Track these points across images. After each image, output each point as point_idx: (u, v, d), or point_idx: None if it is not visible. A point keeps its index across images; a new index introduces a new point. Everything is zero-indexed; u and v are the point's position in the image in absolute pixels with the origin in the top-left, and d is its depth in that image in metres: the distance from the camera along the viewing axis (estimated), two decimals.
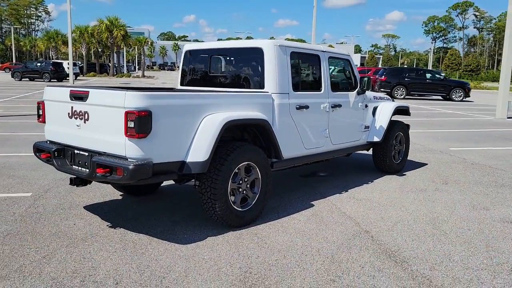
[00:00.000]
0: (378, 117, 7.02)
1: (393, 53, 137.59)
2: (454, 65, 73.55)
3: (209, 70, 5.87)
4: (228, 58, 5.76)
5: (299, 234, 4.58)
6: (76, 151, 4.45)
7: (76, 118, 4.38)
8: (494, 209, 5.58)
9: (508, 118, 17.49)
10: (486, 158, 8.99)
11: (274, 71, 5.10)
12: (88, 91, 4.23)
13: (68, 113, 4.46)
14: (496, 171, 7.85)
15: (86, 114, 4.27)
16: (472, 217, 5.23)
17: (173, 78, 55.76)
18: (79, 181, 4.58)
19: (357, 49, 75.65)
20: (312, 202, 5.68)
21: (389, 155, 7.20)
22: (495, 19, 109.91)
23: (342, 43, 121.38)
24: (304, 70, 5.71)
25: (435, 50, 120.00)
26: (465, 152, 9.63)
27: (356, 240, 4.45)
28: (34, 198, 5.57)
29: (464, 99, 26.28)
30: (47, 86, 4.87)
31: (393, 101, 7.70)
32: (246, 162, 4.64)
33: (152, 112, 3.88)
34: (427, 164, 8.31)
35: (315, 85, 5.81)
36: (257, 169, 4.77)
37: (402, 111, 7.54)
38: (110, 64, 55.15)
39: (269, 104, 5.03)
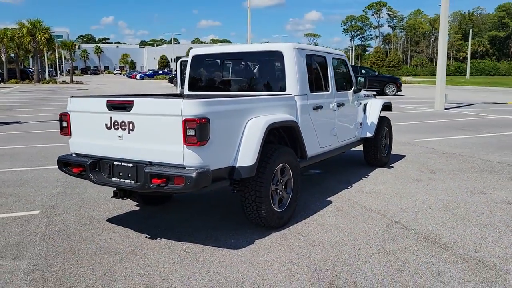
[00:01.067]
0: (369, 114, 7.39)
1: None
2: (379, 61, 77.65)
3: (223, 74, 5.88)
4: (244, 62, 5.80)
5: (338, 229, 4.76)
6: (116, 163, 4.31)
7: (117, 129, 4.24)
8: (490, 193, 6.12)
9: (445, 109, 18.92)
10: (452, 147, 9.73)
11: (295, 74, 5.24)
12: (133, 101, 4.12)
13: (106, 124, 4.31)
14: (468, 158, 8.54)
15: (130, 124, 4.15)
16: (477, 202, 5.71)
17: (105, 83, 53.77)
18: (123, 193, 4.44)
19: None
20: (328, 199, 5.89)
21: (380, 149, 7.60)
22: (406, 17, 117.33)
23: (267, 42, 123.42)
24: (316, 72, 5.90)
25: (354, 48, 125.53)
26: (430, 143, 10.35)
27: (393, 231, 4.71)
28: (46, 216, 5.28)
29: (396, 93, 27.99)
30: (72, 97, 4.65)
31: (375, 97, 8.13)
32: (282, 164, 4.75)
33: (210, 119, 3.88)
34: (405, 155, 8.85)
35: (325, 86, 6.02)
36: (290, 170, 4.89)
37: (386, 107, 7.98)
38: (32, 70, 51.95)
39: (294, 106, 5.17)
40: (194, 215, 5.28)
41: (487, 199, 5.84)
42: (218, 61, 5.90)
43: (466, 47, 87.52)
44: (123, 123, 4.19)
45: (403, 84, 30.57)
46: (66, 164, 4.62)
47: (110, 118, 4.27)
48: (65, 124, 4.65)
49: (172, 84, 47.04)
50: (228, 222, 5.01)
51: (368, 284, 3.54)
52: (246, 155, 4.24)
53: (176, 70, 8.44)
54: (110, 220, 5.12)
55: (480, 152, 9.13)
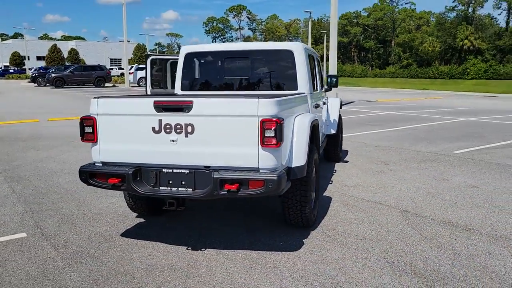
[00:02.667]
0: (331, 111, 7.75)
1: (178, 50, 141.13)
2: None
3: (225, 73, 5.65)
4: (249, 60, 5.63)
5: (365, 222, 4.96)
6: (165, 170, 3.91)
7: (169, 133, 3.85)
8: (451, 179, 6.91)
9: None
10: (377, 141, 10.65)
11: (305, 73, 5.31)
12: (192, 101, 3.78)
13: (153, 128, 3.88)
14: (400, 150, 9.45)
15: (188, 127, 3.80)
16: (449, 188, 6.41)
17: None
18: (179, 203, 4.04)
19: (143, 48, 75.32)
20: (324, 194, 6.06)
21: (340, 144, 8.03)
22: (264, 21, 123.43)
23: (129, 41, 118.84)
24: (312, 71, 6.01)
25: None
26: (356, 137, 11.18)
27: (412, 219, 5.07)
28: (42, 237, 4.54)
29: None
30: (98, 98, 4.07)
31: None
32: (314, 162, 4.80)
33: (284, 119, 3.77)
34: (347, 150, 9.45)
35: (316, 84, 6.18)
36: (315, 168, 4.95)
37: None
38: None
39: (307, 105, 5.24)
40: (211, 222, 5.01)
41: (454, 184, 6.59)
42: (219, 59, 5.65)
43: (318, 51, 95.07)
44: (178, 126, 3.82)
45: None
46: (94, 175, 4.04)
47: (160, 120, 3.86)
48: (89, 129, 4.05)
49: (36, 84, 42.62)
50: (252, 225, 4.87)
51: (446, 270, 3.79)
52: (299, 155, 4.19)
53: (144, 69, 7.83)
54: (125, 235, 4.60)
55: (404, 144, 10.16)
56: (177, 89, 5.67)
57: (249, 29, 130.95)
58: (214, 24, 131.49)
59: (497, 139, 10.67)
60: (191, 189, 3.87)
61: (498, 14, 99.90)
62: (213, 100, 3.85)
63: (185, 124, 3.80)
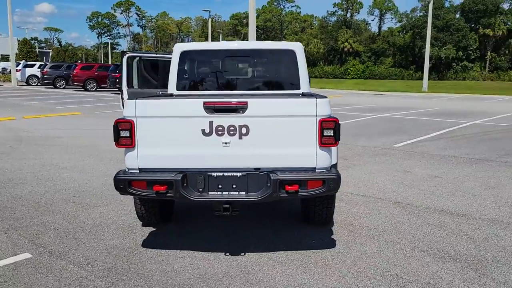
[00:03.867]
0: None
1: (58, 46, 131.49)
2: None
3: (224, 72, 5.49)
4: (250, 59, 5.52)
5: (370, 216, 5.22)
6: (215, 174, 3.75)
7: (221, 135, 3.69)
8: (414, 171, 7.52)
9: None
10: None
11: (305, 72, 5.41)
12: (246, 102, 3.67)
13: (203, 130, 3.69)
14: (347, 146, 9.97)
15: (243, 128, 3.68)
16: (417, 179, 6.98)
17: None
18: (231, 207, 3.86)
19: (29, 43, 69.04)
20: None
21: None
22: (154, 19, 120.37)
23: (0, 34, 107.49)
24: None
25: (103, 46, 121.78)
26: None
27: (414, 210, 5.45)
28: (54, 257, 4.06)
29: None
30: (139, 99, 3.74)
31: None
32: None
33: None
34: None
35: None
36: None
37: None
38: None
39: None
40: (226, 226, 4.88)
41: (418, 175, 7.19)
42: (218, 58, 5.47)
43: None
44: (232, 128, 3.68)
45: None
46: (133, 182, 3.71)
47: (211, 122, 3.68)
48: (125, 134, 3.71)
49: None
50: (271, 225, 4.86)
51: (476, 253, 4.18)
52: (335, 152, 4.28)
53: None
54: (147, 246, 4.30)
55: (347, 140, 10.71)
56: (172, 89, 5.37)
57: (138, 26, 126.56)
58: (99, 19, 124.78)
59: (420, 133, 11.79)
60: (244, 193, 3.76)
61: (372, 20, 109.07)
62: (270, 101, 3.78)
63: (239, 125, 3.68)
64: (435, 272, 3.77)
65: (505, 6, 69.71)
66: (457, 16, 69.91)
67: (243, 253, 4.13)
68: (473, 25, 69.54)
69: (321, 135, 3.67)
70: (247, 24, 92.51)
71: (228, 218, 5.02)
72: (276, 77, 5.50)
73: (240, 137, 3.69)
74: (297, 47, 5.32)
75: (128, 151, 3.76)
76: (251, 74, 5.46)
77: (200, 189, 3.76)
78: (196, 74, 5.47)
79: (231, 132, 3.68)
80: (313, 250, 4.21)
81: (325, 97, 3.78)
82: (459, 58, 67.13)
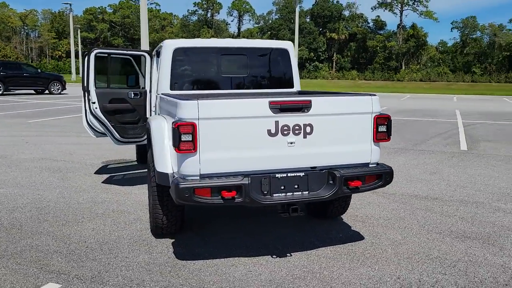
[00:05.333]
0: None
1: None
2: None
3: (219, 71, 5.27)
4: (245, 57, 5.35)
5: (373, 206, 5.55)
6: (279, 175, 3.67)
7: (286, 135, 3.62)
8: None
9: None
10: None
11: (297, 71, 5.56)
12: (310, 100, 3.66)
13: (269, 131, 3.58)
14: None
15: (307, 127, 3.67)
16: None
17: None
18: (296, 209, 3.77)
19: None
20: None
21: None
22: None
23: None
24: None
25: None
26: None
27: (411, 200, 5.95)
28: (92, 283, 3.55)
29: (62, 92, 26.58)
30: (201, 100, 3.45)
31: None
32: None
33: None
34: None
35: None
36: None
37: None
38: None
39: None
40: (239, 228, 4.78)
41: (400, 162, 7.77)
42: (213, 56, 5.23)
43: (61, 45, 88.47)
44: (297, 127, 3.64)
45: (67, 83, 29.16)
46: (196, 190, 3.43)
47: (276, 122, 3.58)
48: (187, 138, 3.40)
49: None
50: (283, 224, 4.89)
51: (489, 231, 4.76)
52: None
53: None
54: (187, 259, 4.00)
55: None
56: (164, 89, 5.01)
57: None
58: None
59: None
60: (306, 192, 3.74)
61: (231, 21, 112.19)
62: (331, 99, 3.80)
63: (303, 124, 3.65)
64: (464, 250, 4.21)
65: (346, 13, 77.78)
66: (308, 20, 75.86)
67: (289, 254, 4.10)
68: (321, 29, 76.16)
69: (376, 131, 3.84)
70: (103, 20, 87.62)
71: (236, 219, 4.90)
72: (271, 75, 5.49)
73: (305, 136, 3.66)
74: (289, 46, 5.42)
75: (187, 157, 3.45)
76: (248, 73, 5.36)
77: (265, 192, 3.63)
78: (191, 72, 5.18)
79: (296, 132, 3.63)
80: (349, 243, 4.35)
81: (375, 94, 3.95)
82: (311, 59, 73.08)
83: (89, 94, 5.59)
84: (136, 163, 8.06)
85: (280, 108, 3.57)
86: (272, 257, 4.03)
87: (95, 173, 7.21)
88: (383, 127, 3.86)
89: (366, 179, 3.83)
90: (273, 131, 3.58)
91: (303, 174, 3.71)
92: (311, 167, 3.76)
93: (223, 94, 5.05)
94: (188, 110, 3.41)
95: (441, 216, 5.17)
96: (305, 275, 3.67)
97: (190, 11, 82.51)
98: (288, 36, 70.22)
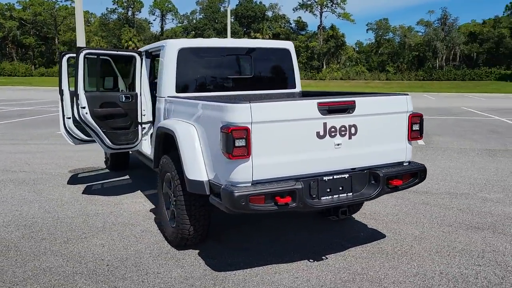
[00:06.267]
0: None
1: None
2: None
3: (225, 72, 5.06)
4: (250, 58, 5.17)
5: (379, 203, 5.66)
6: (326, 178, 3.61)
7: (333, 136, 3.56)
8: None
9: None
10: None
11: (298, 71, 5.53)
12: (354, 101, 3.63)
13: (318, 133, 3.50)
14: None
15: (352, 128, 3.63)
16: None
17: None
18: (346, 211, 3.72)
19: None
20: None
21: None
22: None
23: None
24: None
25: None
26: None
27: (410, 195, 6.09)
28: None
29: None
30: (253, 102, 3.28)
31: None
32: None
33: None
34: None
35: None
36: None
37: None
38: None
39: None
40: (259, 233, 4.66)
41: None
42: (218, 56, 5.00)
43: None
44: (343, 128, 3.59)
45: None
46: (250, 198, 3.26)
47: (325, 124, 3.51)
48: (241, 143, 3.22)
49: None
50: (297, 227, 4.85)
51: (495, 221, 5.03)
52: None
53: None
54: (220, 269, 3.81)
55: None
56: (169, 91, 4.73)
57: None
58: None
59: None
60: (351, 194, 3.71)
61: (154, 20, 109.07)
62: (373, 99, 3.78)
63: (349, 125, 3.61)
64: (482, 240, 4.41)
65: (270, 13, 79.12)
66: (232, 20, 76.05)
67: (325, 257, 4.05)
68: (245, 29, 76.79)
69: (410, 129, 3.90)
70: (11, 17, 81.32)
71: (249, 225, 4.78)
72: (275, 76, 5.39)
73: (350, 137, 3.62)
74: (291, 46, 5.39)
75: (240, 163, 3.26)
76: (253, 73, 5.21)
77: (314, 196, 3.55)
78: (197, 73, 4.93)
79: (342, 133, 3.58)
80: (375, 242, 4.39)
81: (408, 94, 4.00)
82: None
83: (77, 99, 5.12)
84: (107, 170, 7.55)
85: (328, 110, 3.50)
86: (310, 261, 3.96)
87: (68, 183, 6.64)
88: (416, 126, 3.93)
89: (404, 177, 3.87)
90: (321, 133, 3.50)
91: (348, 175, 3.67)
92: (352, 168, 3.73)
93: (237, 96, 4.89)
94: (241, 113, 3.23)
95: (440, 209, 5.39)
96: (353, 278, 3.64)
97: (109, 9, 79.36)
98: (213, 36, 69.94)
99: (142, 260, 3.98)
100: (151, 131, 5.59)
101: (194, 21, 78.08)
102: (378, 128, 3.77)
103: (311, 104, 3.45)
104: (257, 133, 3.26)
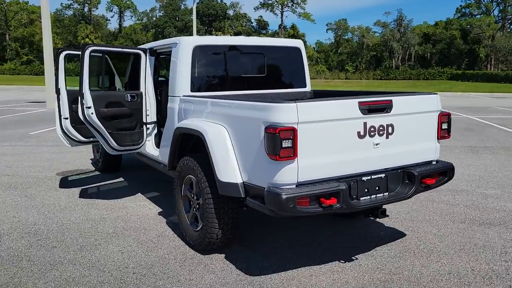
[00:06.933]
0: None
1: None
2: None
3: (238, 70, 4.93)
4: (263, 57, 5.04)
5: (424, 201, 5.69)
6: (364, 178, 3.57)
7: (373, 136, 3.53)
8: None
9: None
10: None
11: (308, 69, 5.49)
12: (391, 100, 3.61)
13: (359, 132, 3.46)
14: None
15: (389, 128, 3.61)
16: None
17: None
18: (385, 210, 3.70)
19: None
20: None
21: None
22: None
23: None
24: None
25: None
26: None
27: (425, 194, 6.15)
28: None
29: None
30: (299, 101, 3.19)
31: None
32: None
33: None
34: None
35: None
36: None
37: None
38: None
39: None
40: (278, 234, 4.59)
41: None
42: (231, 54, 4.85)
43: None
44: (381, 128, 3.57)
45: None
46: (297, 200, 3.17)
47: (365, 123, 3.48)
48: (288, 144, 3.13)
49: None
50: (310, 230, 4.82)
51: (497, 216, 5.16)
52: None
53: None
54: (252, 274, 3.71)
55: None
56: (184, 90, 4.56)
57: None
58: None
59: None
60: (387, 194, 3.69)
61: (111, 17, 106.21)
62: (408, 98, 3.77)
63: (387, 124, 3.59)
64: (499, 236, 4.50)
65: (231, 12, 78.92)
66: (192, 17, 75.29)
67: (355, 257, 4.02)
68: (207, 27, 76.22)
69: (440, 128, 3.92)
70: None
71: (262, 226, 4.70)
72: (287, 75, 5.32)
73: (387, 137, 3.60)
74: (301, 44, 5.34)
75: (285, 164, 3.17)
76: (266, 72, 5.10)
77: (354, 196, 3.50)
78: (211, 72, 4.78)
79: (381, 132, 3.56)
80: (398, 240, 4.40)
81: (436, 93, 4.02)
82: None
83: (82, 98, 4.85)
84: (97, 172, 7.24)
85: (368, 109, 3.46)
86: (341, 262, 3.91)
87: (60, 187, 6.31)
88: (445, 125, 3.95)
89: (435, 176, 3.90)
90: (362, 133, 3.46)
91: (384, 175, 3.65)
92: (387, 168, 3.71)
93: (257, 95, 4.79)
94: (287, 114, 3.13)
95: (447, 206, 5.48)
96: (391, 278, 3.62)
97: (64, 5, 76.63)
98: (174, 33, 69.01)
99: (169, 266, 3.81)
100: (155, 131, 5.39)
101: (154, 18, 76.72)
102: (412, 127, 3.76)
103: (353, 104, 3.40)
104: (302, 134, 3.18)
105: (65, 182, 6.58)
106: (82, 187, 6.30)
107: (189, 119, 4.25)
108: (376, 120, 3.51)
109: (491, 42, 67.32)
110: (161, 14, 76.38)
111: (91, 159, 8.07)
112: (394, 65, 73.39)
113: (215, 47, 4.79)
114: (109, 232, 4.57)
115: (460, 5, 74.12)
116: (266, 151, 3.17)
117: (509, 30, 70.80)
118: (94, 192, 6.10)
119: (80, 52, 5.75)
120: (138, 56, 5.27)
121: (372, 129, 3.50)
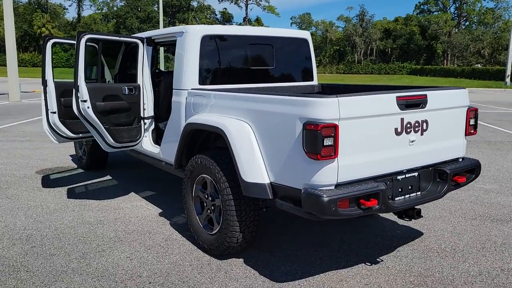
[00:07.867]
0: None
1: None
2: None
3: (247, 62, 4.63)
4: (272, 48, 4.75)
5: (451, 200, 5.57)
6: (399, 177, 3.39)
7: (409, 132, 3.35)
8: None
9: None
10: None
11: (315, 62, 5.27)
12: (426, 95, 3.44)
13: (396, 129, 3.27)
14: None
15: (424, 124, 3.44)
16: None
17: None
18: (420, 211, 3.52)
19: None
20: None
21: None
22: None
23: None
24: None
25: None
26: None
27: None
28: None
29: None
30: (341, 97, 2.94)
31: None
32: None
33: None
34: None
35: None
36: None
37: None
38: None
39: None
40: (292, 236, 4.38)
41: None
42: (240, 45, 4.55)
43: None
44: (417, 124, 3.39)
45: None
46: (337, 202, 2.95)
47: (402, 119, 3.28)
48: (329, 142, 2.89)
49: None
50: (334, 230, 4.64)
51: (506, 211, 5.12)
52: None
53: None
54: (280, 280, 3.48)
55: None
56: (191, 83, 4.24)
57: None
58: None
59: None
60: (419, 193, 3.52)
61: (69, 5, 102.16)
62: (441, 92, 3.58)
63: (422, 120, 3.41)
64: (508, 228, 4.47)
65: (195, 3, 77.73)
66: (156, 8, 73.65)
67: (380, 259, 3.84)
68: (170, 19, 74.72)
69: (468, 124, 3.79)
70: None
71: (274, 228, 4.49)
72: (295, 67, 5.06)
73: (422, 134, 3.42)
74: (308, 36, 5.13)
75: (325, 164, 2.93)
76: (274, 64, 4.83)
77: (389, 196, 3.31)
78: (220, 63, 4.47)
79: (416, 129, 3.37)
80: (418, 240, 4.26)
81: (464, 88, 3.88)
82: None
83: (77, 91, 4.43)
84: (81, 170, 6.77)
85: (406, 104, 3.27)
86: (367, 264, 3.73)
87: (43, 186, 5.83)
88: (473, 120, 3.82)
89: (464, 173, 3.76)
90: (399, 129, 3.26)
91: (417, 174, 3.48)
92: (418, 166, 3.54)
93: (268, 88, 4.53)
94: (329, 109, 2.89)
95: (453, 202, 5.41)
96: (424, 281, 3.46)
97: None
98: (136, 24, 67.36)
99: (186, 273, 3.51)
100: (152, 126, 5.04)
101: (115, 8, 74.48)
102: (444, 123, 3.60)
103: (392, 99, 3.19)
104: (343, 131, 2.94)
105: (48, 181, 6.10)
106: (68, 186, 5.85)
107: (202, 114, 3.93)
108: (412, 116, 3.32)
109: (447, 39, 69.47)
110: (122, 4, 74.19)
111: (70, 156, 7.57)
112: (356, 60, 74.50)
113: (224, 37, 4.48)
114: (110, 237, 4.21)
115: (419, 2, 75.87)
116: (304, 149, 2.92)
117: (464, 27, 73.27)
118: (83, 192, 5.66)
119: (68, 41, 5.34)
120: (134, 46, 4.88)
121: (408, 125, 3.31)
